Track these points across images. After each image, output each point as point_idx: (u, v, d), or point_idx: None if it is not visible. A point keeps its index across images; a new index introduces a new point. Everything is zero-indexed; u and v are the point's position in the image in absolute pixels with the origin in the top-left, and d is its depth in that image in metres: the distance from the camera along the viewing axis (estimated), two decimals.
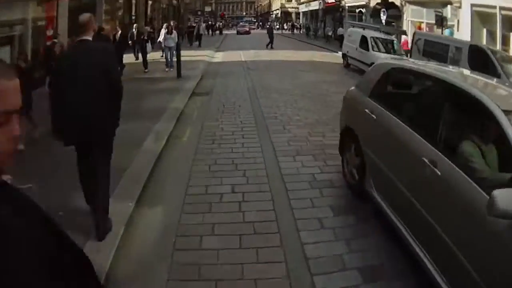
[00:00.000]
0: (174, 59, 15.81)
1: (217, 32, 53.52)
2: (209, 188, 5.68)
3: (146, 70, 16.04)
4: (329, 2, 45.34)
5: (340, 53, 25.93)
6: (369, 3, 33.54)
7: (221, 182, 5.85)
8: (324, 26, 47.06)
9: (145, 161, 6.28)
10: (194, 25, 36.95)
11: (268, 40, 31.00)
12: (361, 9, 36.63)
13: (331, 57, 24.58)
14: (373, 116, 4.95)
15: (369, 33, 18.41)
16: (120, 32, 16.25)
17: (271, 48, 29.79)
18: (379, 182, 4.76)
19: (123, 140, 5.13)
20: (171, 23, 18.10)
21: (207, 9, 79.54)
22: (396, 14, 27.24)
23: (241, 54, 24.77)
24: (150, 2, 36.55)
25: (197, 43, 31.10)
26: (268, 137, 8.02)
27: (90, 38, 4.14)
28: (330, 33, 42.93)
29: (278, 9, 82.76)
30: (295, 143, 7.63)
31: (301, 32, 57.72)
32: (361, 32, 18.89)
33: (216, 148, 7.36)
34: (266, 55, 24.73)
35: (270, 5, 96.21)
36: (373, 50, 17.25)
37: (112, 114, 4.23)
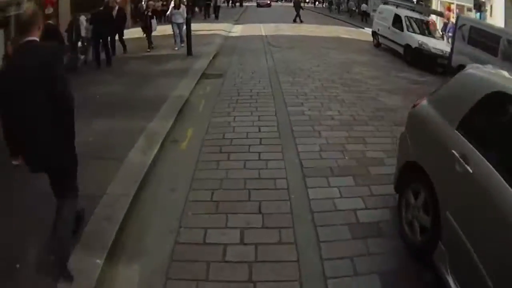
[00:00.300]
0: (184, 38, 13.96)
1: (237, 4, 50.49)
2: (208, 234, 3.90)
3: (148, 50, 14.14)
4: None
5: (366, 30, 24.13)
6: None
7: (226, 224, 4.08)
8: (348, 0, 44.20)
9: (125, 186, 4.54)
10: None
11: (295, 13, 28.45)
12: None
13: (358, 34, 22.35)
14: (468, 168, 2.94)
15: (403, 12, 16.47)
16: (117, 7, 13.83)
17: (301, 22, 26.88)
18: (462, 269, 2.92)
19: (106, 147, 4.53)
20: None
21: None
22: None
23: (261, 27, 22.63)
24: None
25: (214, 15, 28.90)
26: (293, 143, 6.17)
27: (37, 38, 3.12)
28: (353, 8, 40.41)
29: None
30: (329, 154, 5.79)
31: (324, 5, 54.62)
32: (394, 10, 16.95)
33: (224, 161, 5.56)
34: (288, 29, 22.54)
35: None
36: (407, 30, 15.44)
37: (60, 142, 3.11)
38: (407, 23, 15.71)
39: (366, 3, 37.64)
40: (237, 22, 26.48)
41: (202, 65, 11.53)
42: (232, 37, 19.18)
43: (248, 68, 11.84)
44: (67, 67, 8.39)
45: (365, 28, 25.36)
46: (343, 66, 12.46)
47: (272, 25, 24.19)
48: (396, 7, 17.19)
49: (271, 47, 15.80)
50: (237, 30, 22.21)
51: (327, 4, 51.76)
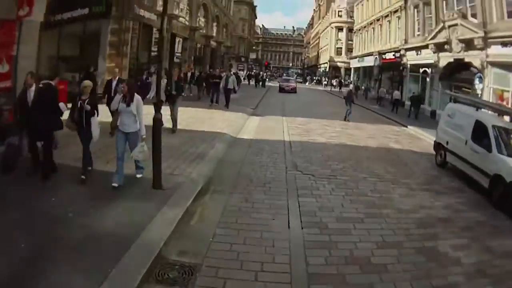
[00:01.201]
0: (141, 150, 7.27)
1: (260, 83, 46.82)
2: None
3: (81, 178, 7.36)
4: (387, 58, 38.28)
5: (410, 129, 18.83)
6: (437, 62, 26.24)
7: None
8: (379, 86, 39.86)
9: None
10: (221, 73, 25.12)
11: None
12: (426, 69, 29.27)
13: (406, 137, 17.04)
14: None
15: (490, 119, 10.61)
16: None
17: (347, 120, 20.18)
18: None
19: None
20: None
21: (252, 56, 74.29)
22: (468, 78, 21.98)
23: (284, 125, 17.24)
24: (179, 39, 30.68)
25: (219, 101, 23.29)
26: None
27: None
28: (384, 95, 35.60)
29: (326, 63, 76.52)
30: None
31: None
32: (475, 114, 11.05)
33: None
34: (320, 130, 16.72)
35: (318, 57, 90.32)
36: (500, 151, 9.49)
37: None
38: (499, 138, 9.80)
39: (399, 89, 33.08)
40: (254, 111, 21.57)
41: (161, 235, 5.55)
42: (240, 142, 13.06)
43: (254, 248, 5.71)
44: None
45: (409, 127, 20.32)
46: (423, 236, 6.62)
47: (299, 120, 19.03)
48: (477, 109, 11.30)
49: (299, 174, 9.74)
50: (251, 128, 16.11)
51: (353, 89, 47.36)
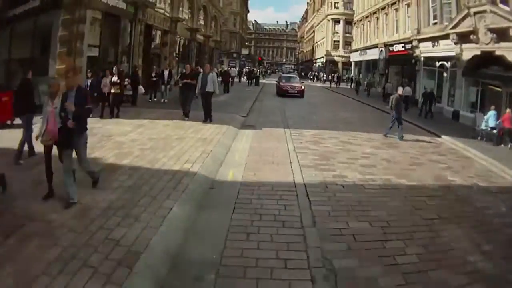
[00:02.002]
0: None
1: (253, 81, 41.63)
2: None
3: None
4: (396, 50, 33.56)
5: (445, 140, 14.17)
6: (460, 54, 21.56)
7: None
8: (386, 81, 35.12)
9: None
10: (197, 71, 18.32)
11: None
12: (444, 62, 24.61)
13: (453, 158, 11.96)
14: None
15: None
16: None
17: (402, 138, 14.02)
18: None
19: None
20: None
21: (245, 51, 69.18)
22: (501, 75, 17.96)
23: (288, 143, 11.88)
24: (157, 32, 25.71)
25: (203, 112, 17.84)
26: None
27: None
28: (391, 91, 30.51)
29: (322, 57, 71.64)
30: None
31: (351, 86, 45.71)
32: None
33: None
34: (343, 153, 11.18)
35: (313, 52, 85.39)
36: None
37: None
38: None
39: (410, 85, 28.36)
40: (245, 121, 16.03)
41: None
42: (220, 195, 7.25)
43: None
44: None
45: (443, 137, 15.52)
46: None
47: (309, 135, 13.52)
48: None
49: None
50: (240, 154, 10.26)
51: (354, 85, 42.91)
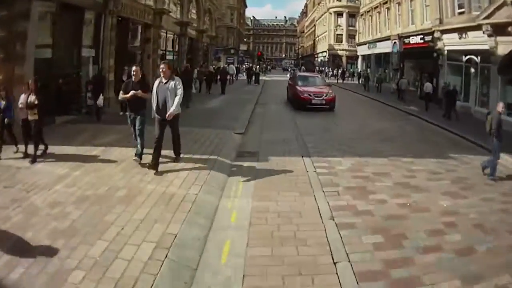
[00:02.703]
0: None
1: (253, 78, 37.10)
2: None
3: None
4: (412, 42, 29.22)
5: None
6: (495, 48, 17.49)
7: None
8: (400, 77, 30.78)
9: None
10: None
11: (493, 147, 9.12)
12: (473, 57, 20.44)
13: None
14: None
15: None
16: None
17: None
18: None
19: None
20: None
21: (243, 47, 64.58)
22: None
23: (316, 195, 7.09)
24: (138, 27, 21.32)
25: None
26: None
27: None
28: (405, 88, 27.26)
29: (325, 51, 67.07)
30: None
31: (359, 82, 41.58)
32: None
33: None
34: (418, 221, 6.34)
35: (314, 46, 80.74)
36: None
37: None
38: None
39: (432, 82, 24.07)
40: (241, 143, 11.21)
41: None
42: None
43: None
44: None
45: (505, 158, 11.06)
46: None
47: (345, 171, 8.70)
48: None
49: None
50: (233, 237, 5.44)
51: (362, 80, 38.57)
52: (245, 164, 8.94)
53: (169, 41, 26.62)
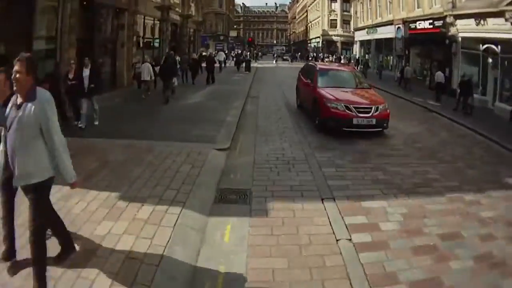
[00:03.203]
0: None
1: (243, 64, 33.78)
2: None
3: None
4: (420, 28, 26.24)
5: None
6: None
7: None
8: (404, 64, 27.98)
9: None
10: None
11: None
12: (492, 46, 17.76)
13: None
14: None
15: None
16: None
17: None
18: None
19: None
20: None
21: (233, 34, 60.95)
22: None
23: None
24: (109, 12, 17.93)
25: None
26: None
27: None
28: (410, 76, 24.90)
29: (318, 37, 63.78)
30: None
31: (358, 68, 38.65)
32: None
33: None
34: None
35: (306, 32, 77.20)
36: None
37: None
38: None
39: (444, 71, 21.36)
40: (221, 176, 7.13)
41: None
42: None
43: None
44: None
45: None
46: None
47: (394, 234, 5.21)
48: None
49: None
50: None
51: (361, 67, 35.51)
52: (229, 220, 5.43)
53: (149, 27, 23.31)
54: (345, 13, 57.35)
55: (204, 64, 24.02)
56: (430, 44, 25.16)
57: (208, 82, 21.52)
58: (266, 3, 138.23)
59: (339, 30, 57.75)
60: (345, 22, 57.68)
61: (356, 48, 45.42)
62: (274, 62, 53.12)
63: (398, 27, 29.33)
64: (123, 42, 18.91)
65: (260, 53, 74.50)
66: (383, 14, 33.06)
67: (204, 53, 30.42)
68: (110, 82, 17.62)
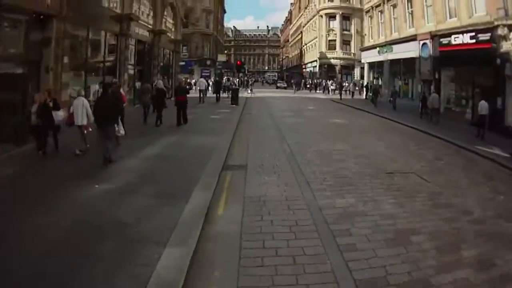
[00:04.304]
0: None
1: (228, 94, 27.26)
2: None
3: None
4: (455, 43, 20.24)
5: None
6: None
7: None
8: (428, 89, 22.00)
9: None
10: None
11: None
12: None
13: None
14: None
15: None
16: None
17: None
18: None
19: None
20: None
21: (221, 58, 54.93)
22: None
23: None
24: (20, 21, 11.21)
25: None
26: None
27: None
28: (437, 105, 19.55)
29: (314, 61, 58.03)
30: None
31: (366, 97, 32.84)
32: None
33: None
34: None
35: (301, 56, 71.59)
36: None
37: None
38: None
39: (489, 99, 15.37)
40: None
41: None
42: None
43: None
44: None
45: None
46: None
47: None
48: None
49: None
50: None
51: (370, 94, 30.16)
52: None
53: (100, 44, 16.88)
54: (345, 32, 51.98)
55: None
56: (471, 65, 19.12)
57: (179, 123, 15.00)
58: (258, 26, 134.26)
59: (338, 52, 52.12)
60: (345, 42, 52.26)
61: (363, 72, 39.53)
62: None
63: (424, 44, 23.34)
64: (47, 65, 12.44)
65: (252, 80, 68.59)
66: (401, 28, 27.08)
67: (185, 80, 24.07)
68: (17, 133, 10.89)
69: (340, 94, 34.89)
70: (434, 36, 22.18)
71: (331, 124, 18.32)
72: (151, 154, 10.16)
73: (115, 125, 9.71)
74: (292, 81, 55.38)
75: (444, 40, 21.18)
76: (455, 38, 20.19)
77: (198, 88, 26.50)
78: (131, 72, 20.06)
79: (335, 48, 52.87)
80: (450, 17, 21.21)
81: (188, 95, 15.87)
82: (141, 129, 14.00)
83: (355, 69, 50.37)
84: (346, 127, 17.58)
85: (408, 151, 12.31)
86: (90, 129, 10.13)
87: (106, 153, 8.88)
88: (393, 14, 28.52)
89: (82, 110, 10.08)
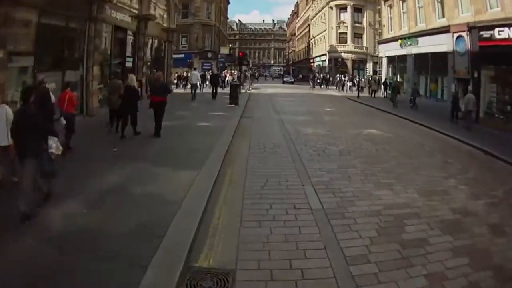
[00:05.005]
0: None
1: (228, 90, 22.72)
2: None
3: None
4: (501, 37, 16.52)
5: None
6: None
7: None
8: (463, 90, 18.34)
9: None
10: None
11: None
12: None
13: None
14: None
15: None
16: None
17: None
18: None
19: None
20: None
21: (224, 51, 51.07)
22: None
23: None
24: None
25: None
26: None
27: None
28: (473, 108, 16.22)
29: (323, 55, 54.12)
30: None
31: (385, 95, 29.21)
32: None
33: None
34: None
35: (308, 50, 67.60)
36: None
37: None
38: None
39: None
40: None
41: None
42: None
43: None
44: None
45: None
46: None
47: None
48: None
49: None
50: None
51: (389, 92, 26.59)
52: None
53: (59, 31, 13.20)
54: (356, 24, 48.08)
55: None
56: None
57: (156, 134, 11.34)
58: (264, 20, 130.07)
59: (349, 46, 48.26)
60: (357, 35, 48.43)
61: (376, 67, 35.69)
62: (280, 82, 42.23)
63: (459, 37, 19.54)
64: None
65: (256, 74, 64.81)
66: (428, 18, 23.17)
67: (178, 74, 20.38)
68: None
69: (358, 91, 31.28)
70: (472, 28, 18.39)
71: (369, 140, 12.71)
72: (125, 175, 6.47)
73: (44, 146, 5.91)
74: (299, 76, 51.23)
75: (486, 34, 17.44)
76: (499, 31, 16.53)
77: (189, 82, 22.74)
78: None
79: (346, 42, 49.01)
80: (491, 8, 17.47)
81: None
82: (98, 143, 10.28)
83: (367, 64, 46.55)
84: (390, 145, 12.14)
85: None
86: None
87: (24, 204, 5.32)
88: (418, 3, 24.60)
89: (6, 125, 6.45)
